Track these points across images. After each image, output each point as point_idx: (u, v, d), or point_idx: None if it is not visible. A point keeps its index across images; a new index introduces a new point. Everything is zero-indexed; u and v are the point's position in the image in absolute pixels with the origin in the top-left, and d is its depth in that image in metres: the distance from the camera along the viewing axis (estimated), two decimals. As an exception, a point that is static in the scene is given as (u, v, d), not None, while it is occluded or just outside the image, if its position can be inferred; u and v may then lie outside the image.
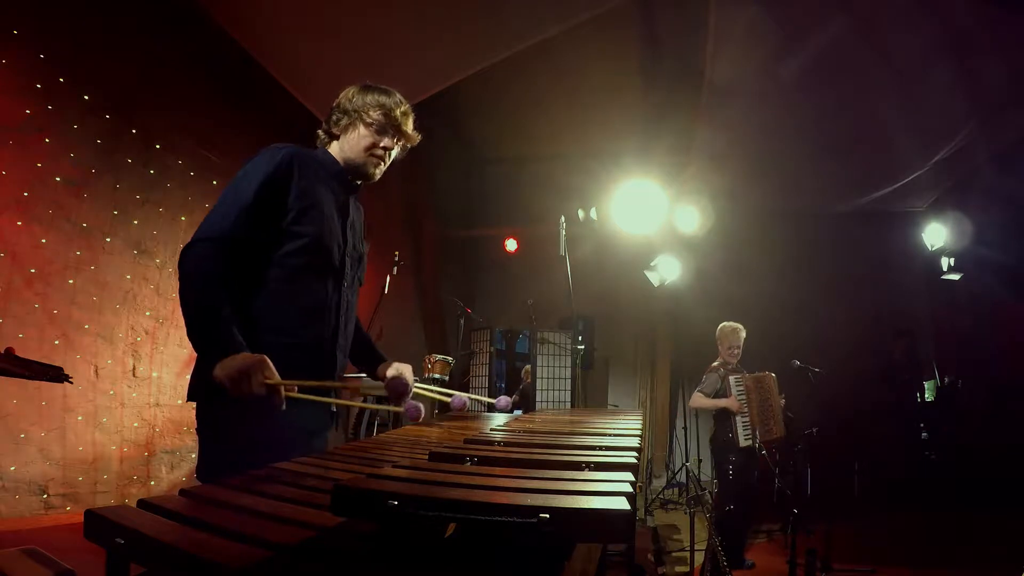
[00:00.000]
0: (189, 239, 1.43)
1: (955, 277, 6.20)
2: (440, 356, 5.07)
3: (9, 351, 1.93)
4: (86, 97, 3.50)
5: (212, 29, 3.95)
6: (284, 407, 1.31)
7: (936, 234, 6.23)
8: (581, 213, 5.50)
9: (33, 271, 3.23)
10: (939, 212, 6.43)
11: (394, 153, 1.68)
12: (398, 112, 1.63)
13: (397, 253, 4.98)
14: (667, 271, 6.29)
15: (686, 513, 4.71)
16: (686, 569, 3.72)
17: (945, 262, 6.21)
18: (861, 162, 5.63)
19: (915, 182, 5.88)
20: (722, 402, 4.01)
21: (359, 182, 1.71)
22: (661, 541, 4.48)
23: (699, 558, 3.54)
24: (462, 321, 6.35)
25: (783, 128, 5.11)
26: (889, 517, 5.29)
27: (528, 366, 6.49)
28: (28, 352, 2.08)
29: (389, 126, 1.63)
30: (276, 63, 4.24)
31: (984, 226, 6.01)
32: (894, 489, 5.68)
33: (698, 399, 4.14)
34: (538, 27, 4.08)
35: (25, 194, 3.19)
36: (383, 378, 1.74)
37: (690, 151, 5.78)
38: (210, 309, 1.34)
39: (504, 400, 1.87)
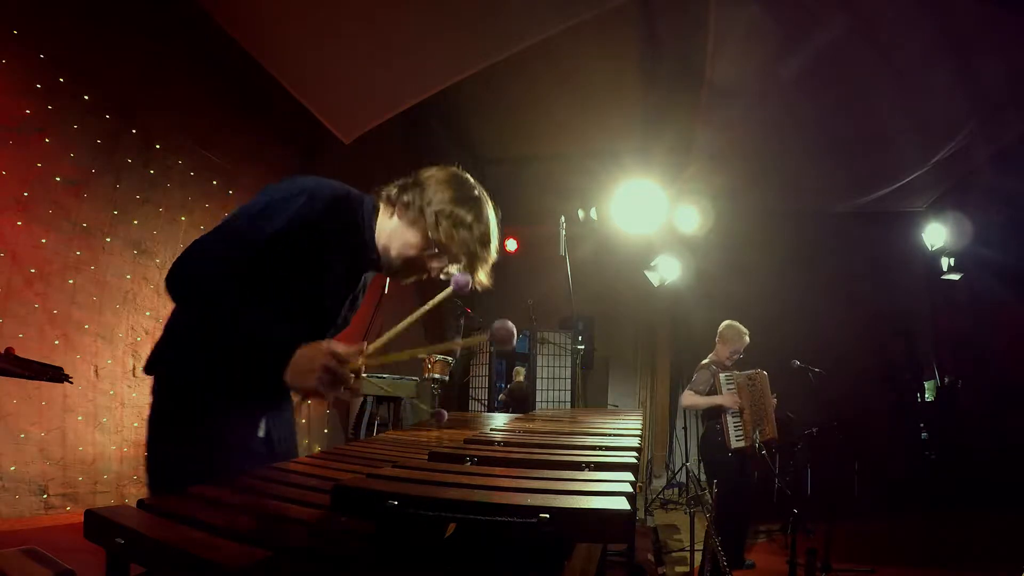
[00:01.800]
0: (186, 246, 1.22)
1: (955, 277, 6.20)
2: (440, 356, 5.07)
3: (9, 351, 1.93)
4: (86, 97, 3.50)
5: (212, 29, 3.94)
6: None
7: (936, 234, 6.24)
8: (581, 213, 5.50)
9: (33, 271, 3.23)
10: (939, 212, 6.43)
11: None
12: (477, 255, 1.31)
13: (397, 253, 4.97)
14: (667, 271, 6.29)
15: (686, 513, 4.71)
16: (686, 569, 3.72)
17: (945, 262, 6.22)
18: (861, 162, 5.63)
19: (915, 182, 5.88)
20: (717, 399, 3.86)
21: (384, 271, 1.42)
22: (661, 541, 4.49)
23: (699, 558, 3.54)
24: (462, 321, 6.35)
25: (783, 128, 5.11)
26: (889, 517, 5.29)
27: (518, 366, 6.48)
28: (28, 352, 2.08)
29: (454, 261, 1.32)
30: (276, 63, 4.24)
31: (984, 226, 6.01)
32: (894, 489, 5.68)
33: (690, 397, 4.01)
34: (539, 27, 4.08)
35: (25, 194, 3.19)
36: None
37: (690, 151, 5.78)
38: (243, 317, 1.15)
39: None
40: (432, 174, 1.34)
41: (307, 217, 1.22)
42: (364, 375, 1.16)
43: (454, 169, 1.37)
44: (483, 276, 1.34)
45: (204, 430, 1.22)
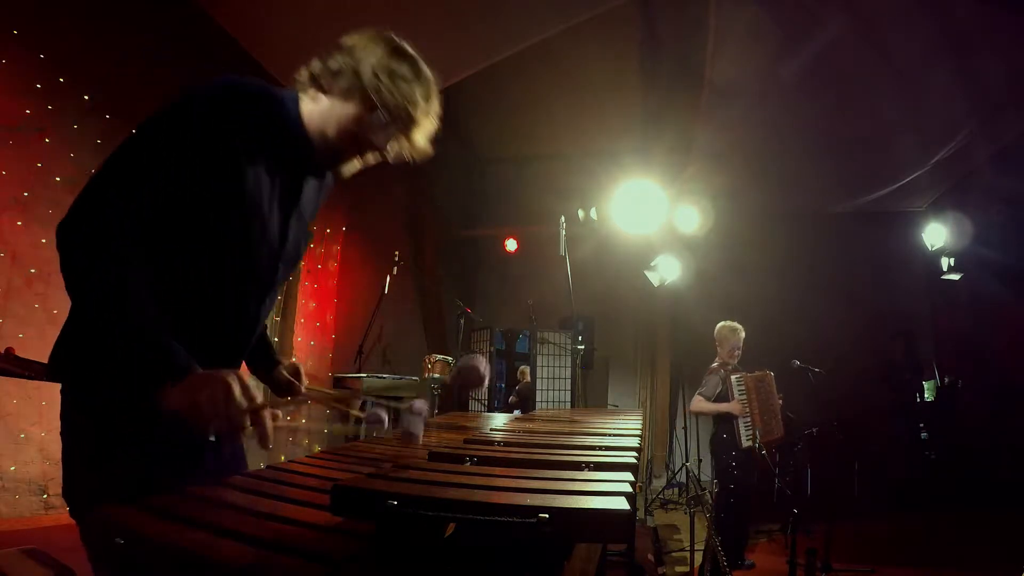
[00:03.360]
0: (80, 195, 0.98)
1: (955, 277, 6.20)
2: (440, 356, 5.07)
3: (9, 351, 1.94)
4: (86, 97, 3.50)
5: (212, 29, 3.95)
6: (271, 444, 0.93)
7: (936, 234, 6.24)
8: (581, 213, 5.50)
9: (33, 271, 3.23)
10: (939, 212, 6.44)
11: (384, 157, 1.21)
12: (422, 112, 1.16)
13: (397, 253, 4.98)
14: (667, 271, 6.29)
15: (686, 513, 4.71)
16: (686, 569, 3.72)
17: (945, 262, 6.22)
18: (861, 162, 5.63)
19: (915, 182, 5.88)
20: (725, 406, 3.93)
21: (322, 165, 1.22)
22: (661, 541, 4.49)
23: (699, 558, 3.54)
24: (462, 321, 6.35)
25: (783, 128, 5.11)
26: (889, 517, 5.29)
27: (523, 366, 6.49)
28: (28, 352, 2.08)
29: (402, 124, 1.14)
30: (276, 63, 4.24)
31: (984, 226, 6.02)
32: (894, 489, 5.68)
33: (700, 403, 4.05)
34: (538, 27, 4.08)
35: (25, 194, 3.19)
36: (284, 384, 1.39)
37: (690, 151, 5.79)
38: (138, 303, 0.93)
39: (419, 403, 1.41)
40: (355, 37, 1.18)
41: (212, 122, 1.04)
42: (271, 421, 0.94)
43: (379, 29, 1.20)
44: (422, 139, 1.20)
45: (127, 448, 1.03)
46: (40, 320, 3.26)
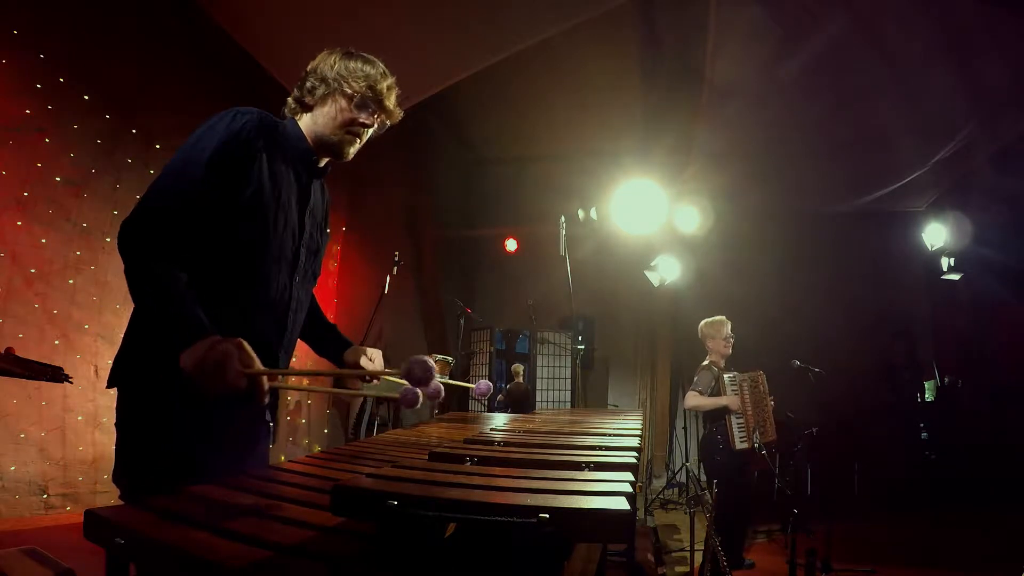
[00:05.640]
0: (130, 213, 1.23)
1: (955, 277, 6.20)
2: (440, 356, 5.07)
3: (9, 351, 1.93)
4: (86, 97, 3.50)
5: (212, 29, 3.95)
6: (267, 400, 1.12)
7: (936, 234, 6.24)
8: (581, 213, 5.50)
9: (33, 271, 3.23)
10: (939, 212, 6.43)
11: (371, 131, 1.50)
12: (383, 85, 1.45)
13: (397, 253, 4.98)
14: (667, 271, 6.28)
15: (686, 513, 4.71)
16: (686, 569, 3.72)
17: (945, 262, 6.22)
18: (861, 162, 5.63)
19: (915, 182, 5.88)
20: (723, 400, 3.77)
21: (326, 163, 1.53)
22: (661, 541, 4.49)
23: (699, 558, 3.54)
24: (462, 321, 6.35)
25: (783, 128, 5.11)
26: (889, 517, 5.29)
27: (516, 364, 6.45)
28: (28, 352, 2.08)
29: (372, 100, 1.45)
30: (276, 63, 4.24)
31: (984, 226, 6.02)
32: (894, 489, 5.68)
33: (695, 398, 3.90)
34: (538, 27, 4.08)
35: (25, 194, 3.19)
36: (352, 365, 1.66)
37: (690, 151, 5.78)
38: (167, 286, 1.16)
39: (484, 384, 1.72)
40: (314, 60, 1.49)
41: (239, 136, 1.30)
42: (267, 383, 1.11)
43: (329, 48, 1.51)
44: (392, 103, 1.48)
45: (178, 446, 1.21)
46: (40, 320, 3.26)
